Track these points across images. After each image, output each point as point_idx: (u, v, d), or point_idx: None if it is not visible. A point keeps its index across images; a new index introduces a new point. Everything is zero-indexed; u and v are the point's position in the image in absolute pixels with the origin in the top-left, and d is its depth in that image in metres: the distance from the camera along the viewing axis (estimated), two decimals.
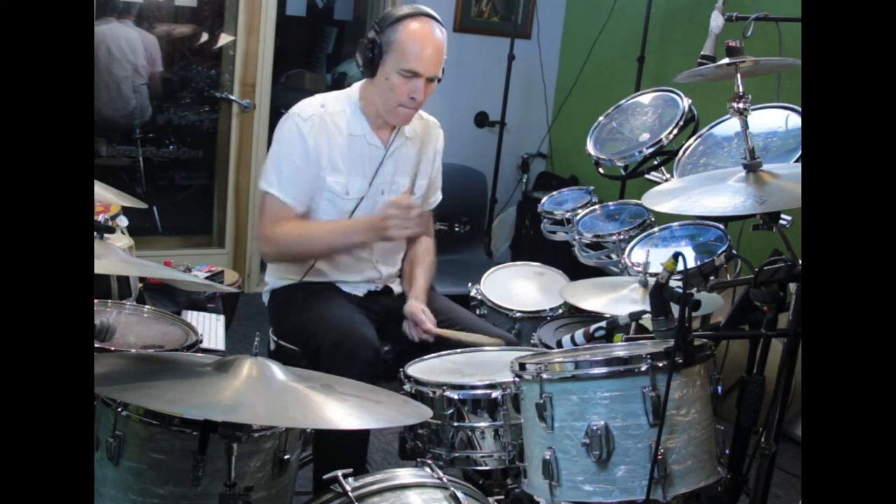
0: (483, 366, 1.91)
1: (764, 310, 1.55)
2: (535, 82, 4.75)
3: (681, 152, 2.31)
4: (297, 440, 1.53)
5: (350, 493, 1.35)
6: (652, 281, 1.47)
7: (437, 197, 2.46)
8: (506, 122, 4.53)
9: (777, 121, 2.17)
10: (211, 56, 4.36)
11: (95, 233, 1.57)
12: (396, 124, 2.21)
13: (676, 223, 2.28)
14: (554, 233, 2.69)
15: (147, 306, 2.13)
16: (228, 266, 4.16)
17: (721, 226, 2.17)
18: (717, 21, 2.78)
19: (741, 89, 1.70)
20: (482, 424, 1.72)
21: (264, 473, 1.45)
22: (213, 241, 4.48)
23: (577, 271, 2.66)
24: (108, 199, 1.85)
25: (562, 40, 4.85)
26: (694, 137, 2.32)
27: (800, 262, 1.42)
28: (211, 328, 2.38)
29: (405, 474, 1.43)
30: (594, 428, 1.38)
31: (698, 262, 2.01)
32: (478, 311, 2.66)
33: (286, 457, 1.47)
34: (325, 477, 1.39)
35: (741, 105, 1.68)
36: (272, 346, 2.29)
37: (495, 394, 1.71)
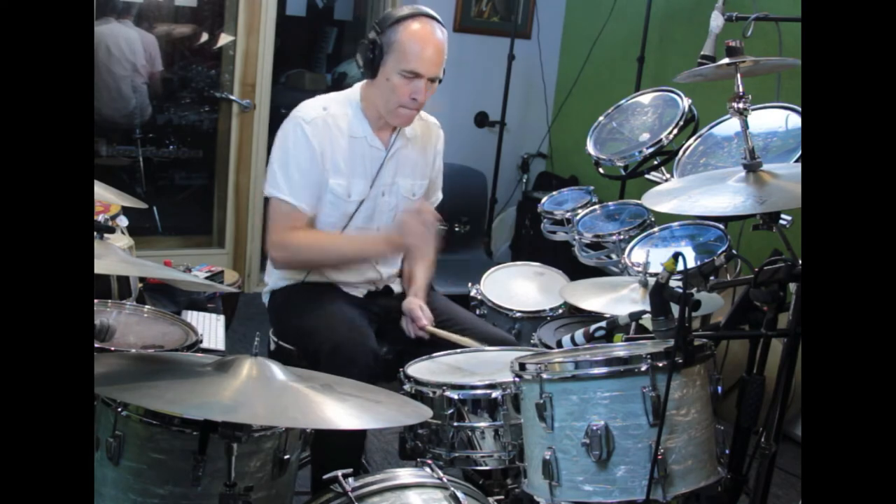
0: (483, 366, 1.91)
1: (764, 310, 1.55)
2: (535, 82, 4.75)
3: (681, 152, 2.31)
4: (297, 440, 1.53)
5: (350, 493, 1.35)
6: (652, 281, 1.47)
7: (438, 196, 2.46)
8: (506, 122, 4.53)
9: (777, 121, 2.17)
10: (211, 56, 4.36)
11: (95, 233, 1.57)
12: (398, 125, 2.20)
13: (676, 223, 2.28)
14: (554, 233, 2.69)
15: (147, 306, 2.13)
16: (228, 266, 4.16)
17: (721, 226, 2.17)
18: (717, 21, 2.78)
19: (741, 89, 1.70)
20: (482, 424, 1.72)
21: (264, 473, 1.45)
22: (213, 241, 4.48)
23: (577, 271, 2.66)
24: (108, 199, 1.85)
25: (562, 40, 4.85)
26: (694, 137, 2.32)
27: (800, 262, 1.42)
28: (211, 328, 2.38)
29: (405, 474, 1.43)
30: (594, 428, 1.38)
31: (698, 262, 2.01)
32: (478, 311, 2.66)
33: (286, 457, 1.47)
34: (325, 477, 1.39)
35: (741, 105, 1.68)
36: (272, 347, 2.29)
37: (495, 394, 1.71)
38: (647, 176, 2.43)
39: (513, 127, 4.69)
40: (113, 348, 1.76)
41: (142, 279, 2.78)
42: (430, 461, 1.52)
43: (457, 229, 3.93)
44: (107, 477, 1.41)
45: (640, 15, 3.89)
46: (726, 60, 1.75)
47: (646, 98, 2.54)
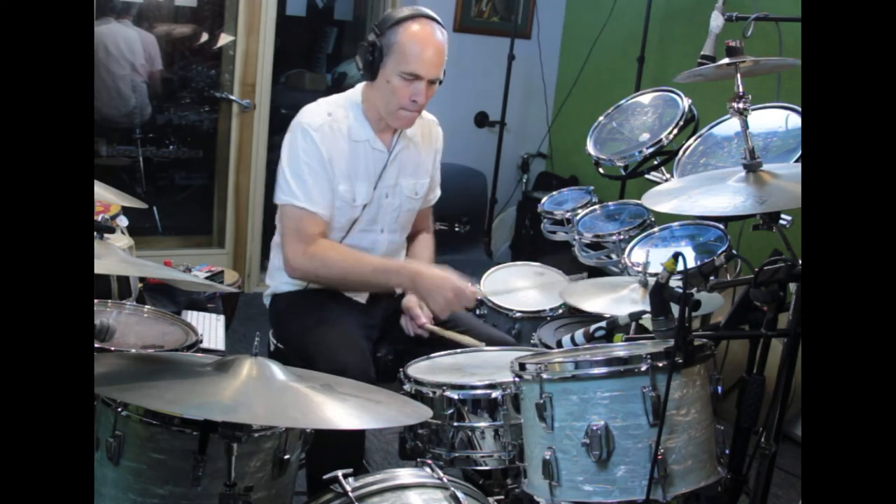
0: (483, 366, 1.91)
1: (764, 310, 1.55)
2: (535, 82, 4.75)
3: (681, 152, 2.31)
4: (297, 440, 1.53)
5: (350, 493, 1.35)
6: (652, 281, 1.47)
7: (437, 193, 2.46)
8: (506, 122, 4.53)
9: (777, 121, 2.17)
10: (211, 56, 4.36)
11: (95, 233, 1.57)
12: (398, 127, 2.20)
13: (676, 223, 2.28)
14: (554, 233, 2.69)
15: (147, 306, 2.13)
16: (228, 266, 4.16)
17: (721, 226, 2.17)
18: (717, 21, 2.78)
19: (741, 89, 1.70)
20: (482, 424, 1.72)
21: (264, 473, 1.45)
22: (213, 241, 4.48)
23: (577, 271, 2.66)
24: (108, 199, 1.85)
25: (562, 40, 4.85)
26: (694, 137, 2.32)
27: (800, 262, 1.42)
28: (211, 328, 2.38)
29: (405, 474, 1.43)
30: (594, 428, 1.38)
31: (698, 262, 2.01)
32: (478, 311, 2.66)
33: (286, 457, 1.47)
34: (325, 477, 1.39)
35: (741, 105, 1.68)
36: (272, 347, 2.29)
37: (495, 394, 1.71)
38: (647, 176, 2.44)
39: (513, 127, 4.70)
40: (113, 348, 1.76)
41: (142, 279, 2.79)
42: (430, 461, 1.52)
43: (457, 229, 3.94)
44: (107, 477, 1.41)
45: (640, 15, 3.89)
46: (726, 60, 1.75)
47: (646, 98, 2.54)
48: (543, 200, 2.78)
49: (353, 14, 6.02)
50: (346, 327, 2.12)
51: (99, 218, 2.79)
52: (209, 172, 4.51)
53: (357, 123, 2.16)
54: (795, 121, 2.12)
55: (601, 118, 2.56)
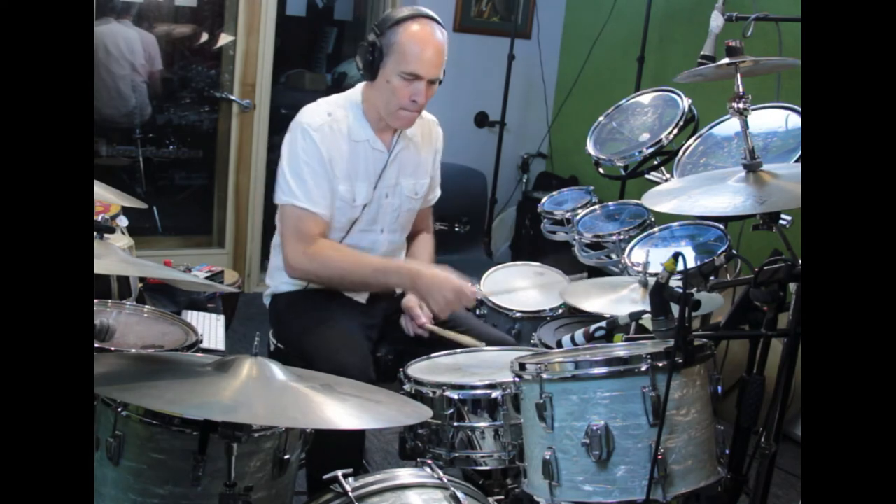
0: (483, 366, 1.91)
1: (764, 310, 1.55)
2: (535, 82, 4.75)
3: (681, 152, 2.31)
4: (297, 440, 1.53)
5: (350, 493, 1.35)
6: (652, 281, 1.47)
7: (437, 193, 2.46)
8: (506, 122, 4.53)
9: (777, 121, 2.17)
10: (211, 56, 4.36)
11: (95, 233, 1.57)
12: (398, 127, 2.19)
13: (676, 223, 2.28)
14: (554, 233, 2.69)
15: (147, 306, 2.13)
16: (228, 266, 4.16)
17: (721, 226, 2.17)
18: (717, 21, 2.78)
19: (741, 89, 1.70)
20: (482, 424, 1.72)
21: (264, 473, 1.45)
22: (213, 241, 4.48)
23: (577, 271, 2.66)
24: (108, 199, 1.85)
25: (562, 40, 4.85)
26: (694, 137, 2.32)
27: (800, 262, 1.42)
28: (211, 328, 2.38)
29: (405, 474, 1.43)
30: (594, 428, 1.38)
31: (698, 262, 2.01)
32: (478, 311, 2.66)
33: (286, 457, 1.47)
34: (325, 477, 1.39)
35: (741, 105, 1.68)
36: (272, 347, 2.29)
37: (495, 394, 1.71)
38: (647, 176, 2.44)
39: (513, 127, 4.70)
40: (113, 348, 1.76)
41: (142, 279, 2.79)
42: (430, 461, 1.52)
43: (457, 229, 3.94)
44: (107, 477, 1.41)
45: (640, 15, 3.89)
46: (726, 60, 1.75)
47: (646, 98, 2.54)
48: (543, 200, 2.78)
49: (353, 14, 6.02)
50: (346, 327, 2.12)
51: (99, 218, 2.79)
52: (209, 172, 4.51)
53: (357, 123, 2.16)
54: (795, 121, 2.12)
55: (601, 118, 2.56)
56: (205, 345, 2.05)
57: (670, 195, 1.65)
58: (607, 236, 2.40)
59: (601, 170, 2.48)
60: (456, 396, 1.72)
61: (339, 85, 5.41)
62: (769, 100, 2.26)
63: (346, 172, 2.14)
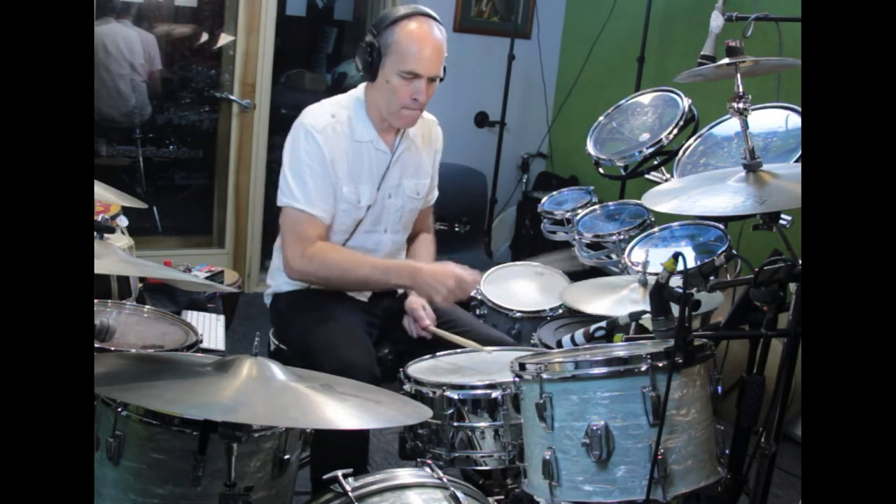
0: (483, 366, 1.91)
1: (764, 310, 1.55)
2: (535, 82, 4.75)
3: (681, 152, 2.31)
4: (297, 440, 1.53)
5: (350, 493, 1.35)
6: (652, 281, 1.47)
7: (435, 195, 2.46)
8: (506, 122, 4.53)
9: (777, 121, 2.17)
10: (211, 56, 4.36)
11: (95, 233, 1.57)
12: (401, 127, 2.19)
13: (676, 223, 2.28)
14: (554, 233, 2.69)
15: (147, 306, 2.13)
16: (228, 266, 4.16)
17: (721, 226, 2.17)
18: (717, 21, 2.78)
19: (741, 89, 1.70)
20: (482, 424, 1.72)
21: (264, 473, 1.45)
22: (213, 241, 4.48)
23: (577, 272, 2.67)
24: (108, 199, 1.85)
25: (562, 40, 4.85)
26: (694, 137, 2.32)
27: (800, 262, 1.42)
28: (211, 328, 2.38)
29: (405, 474, 1.43)
30: (594, 428, 1.38)
31: (698, 262, 2.00)
32: (478, 312, 2.66)
33: (286, 457, 1.47)
34: (325, 477, 1.39)
35: (741, 105, 1.68)
36: (272, 347, 2.29)
37: (495, 394, 1.71)
38: (647, 176, 2.44)
39: (513, 127, 4.70)
40: (113, 348, 1.76)
41: (142, 279, 2.79)
42: (430, 461, 1.52)
43: (457, 229, 3.94)
44: (107, 477, 1.41)
45: (640, 15, 3.90)
46: (726, 60, 1.75)
47: (646, 98, 2.54)
48: (543, 200, 2.78)
49: (353, 14, 6.02)
50: (348, 325, 2.12)
51: (99, 218, 2.79)
52: (209, 172, 4.51)
53: (361, 124, 2.16)
54: (795, 121, 2.12)
55: (601, 118, 2.56)
56: (205, 345, 2.05)
57: (670, 195, 1.65)
58: (607, 236, 2.41)
59: (601, 170, 2.48)
60: (456, 396, 1.72)
61: (339, 85, 5.42)
62: (769, 100, 2.27)
63: (349, 174, 2.14)
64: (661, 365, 1.38)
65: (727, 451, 1.53)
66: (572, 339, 1.75)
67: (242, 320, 3.67)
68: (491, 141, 4.58)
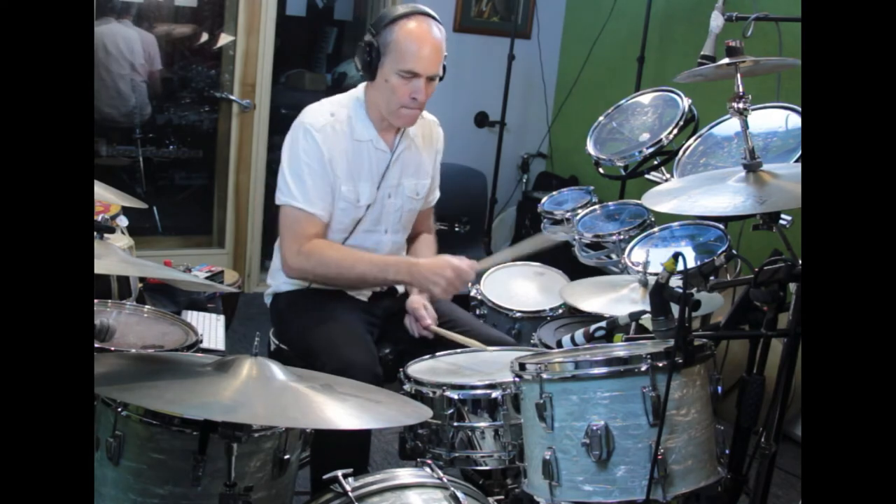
0: (483, 366, 1.91)
1: (764, 310, 1.55)
2: (535, 82, 4.75)
3: (681, 152, 2.31)
4: (297, 440, 1.53)
5: (350, 493, 1.35)
6: (652, 281, 1.47)
7: (436, 195, 2.46)
8: (506, 122, 4.53)
9: (777, 121, 2.17)
10: (211, 56, 4.36)
11: (95, 233, 1.57)
12: (401, 126, 2.19)
13: (676, 223, 2.28)
14: (554, 233, 2.69)
15: (147, 306, 2.13)
16: (228, 266, 4.16)
17: (721, 226, 2.17)
18: (717, 21, 2.78)
19: (741, 89, 1.70)
20: (482, 424, 1.72)
21: (264, 473, 1.45)
22: (213, 241, 4.48)
23: (577, 271, 2.66)
24: (108, 199, 1.85)
25: (562, 40, 4.85)
26: (694, 137, 2.32)
27: (800, 262, 1.42)
28: (211, 328, 2.38)
29: (405, 474, 1.43)
30: (594, 428, 1.38)
31: (698, 262, 2.00)
32: (478, 312, 2.66)
33: (286, 457, 1.47)
34: (325, 477, 1.39)
35: (741, 105, 1.68)
36: (272, 347, 2.29)
37: (495, 394, 1.71)
38: (647, 176, 2.43)
39: (513, 127, 4.70)
40: (113, 348, 1.76)
41: (142, 279, 2.79)
42: (430, 461, 1.52)
43: (457, 229, 3.93)
44: (107, 477, 1.41)
45: (640, 15, 3.89)
46: (726, 60, 1.75)
47: (646, 98, 2.54)
48: (543, 200, 2.78)
49: (353, 14, 6.02)
50: (348, 325, 2.12)
51: (99, 218, 2.79)
52: (209, 172, 4.51)
53: (360, 123, 2.16)
54: (795, 121, 2.12)
55: (601, 118, 2.56)
56: (205, 345, 2.05)
57: (670, 195, 1.65)
58: (607, 236, 2.40)
59: (601, 170, 2.48)
60: (456, 396, 1.72)
61: (339, 85, 5.42)
62: (769, 100, 2.26)
63: (348, 172, 2.14)
64: (661, 365, 1.38)
65: (727, 451, 1.53)
66: (572, 339, 1.75)
67: (242, 320, 3.67)
68: (491, 141, 4.58)
